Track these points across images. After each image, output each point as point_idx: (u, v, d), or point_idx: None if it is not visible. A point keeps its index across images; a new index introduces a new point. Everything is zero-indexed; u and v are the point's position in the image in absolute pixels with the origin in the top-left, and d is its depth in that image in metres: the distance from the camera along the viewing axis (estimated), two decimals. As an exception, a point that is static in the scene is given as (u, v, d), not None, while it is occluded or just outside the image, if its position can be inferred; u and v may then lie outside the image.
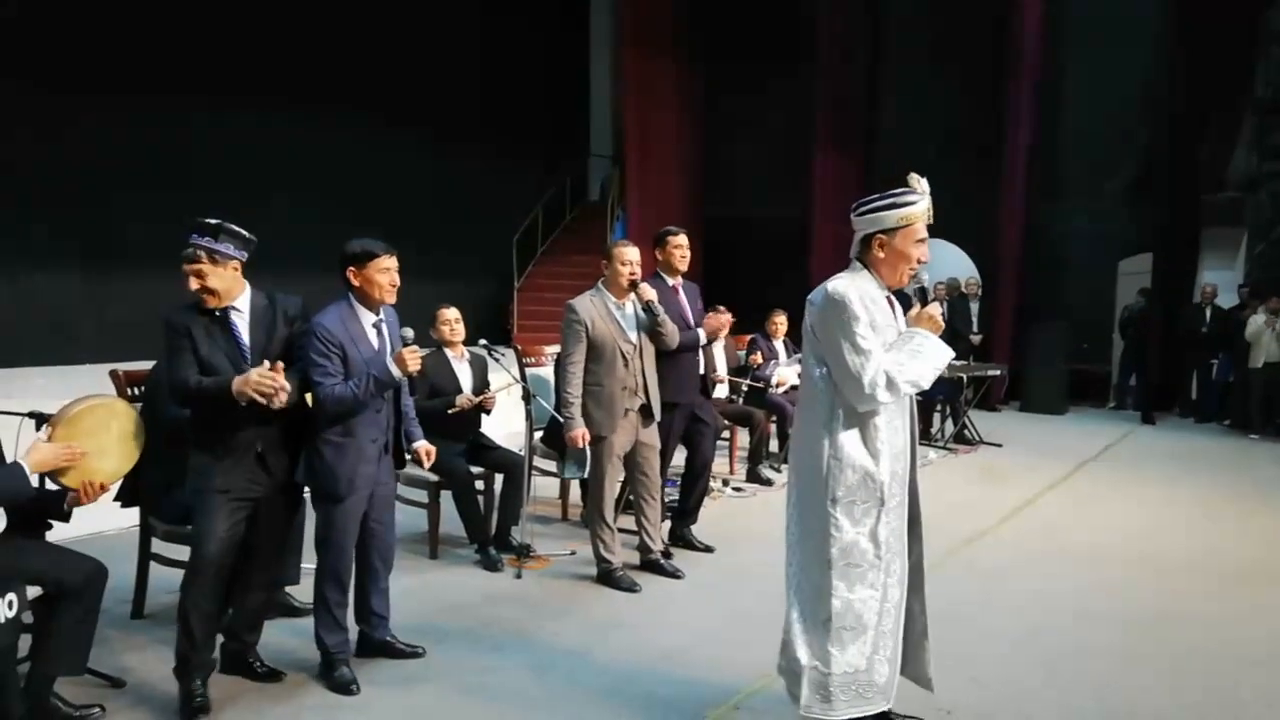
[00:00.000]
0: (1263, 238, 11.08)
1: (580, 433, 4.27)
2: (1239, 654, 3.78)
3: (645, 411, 4.46)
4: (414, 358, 3.27)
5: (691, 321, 4.88)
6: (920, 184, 2.71)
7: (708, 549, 5.03)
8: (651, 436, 4.54)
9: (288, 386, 3.01)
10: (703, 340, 4.94)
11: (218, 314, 3.06)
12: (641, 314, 4.42)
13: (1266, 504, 6.59)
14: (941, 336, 2.78)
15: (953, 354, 2.77)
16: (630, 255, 4.35)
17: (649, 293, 4.38)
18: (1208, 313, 10.63)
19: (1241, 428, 9.88)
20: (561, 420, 4.38)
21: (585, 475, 4.36)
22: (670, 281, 4.86)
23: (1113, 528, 5.81)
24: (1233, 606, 4.36)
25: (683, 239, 4.85)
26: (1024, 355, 11.14)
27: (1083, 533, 5.66)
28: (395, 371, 3.25)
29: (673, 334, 4.50)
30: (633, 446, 4.45)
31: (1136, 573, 4.84)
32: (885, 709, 2.75)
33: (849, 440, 2.67)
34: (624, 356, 4.32)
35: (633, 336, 4.38)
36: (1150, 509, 6.34)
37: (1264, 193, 10.92)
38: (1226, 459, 8.44)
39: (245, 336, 3.09)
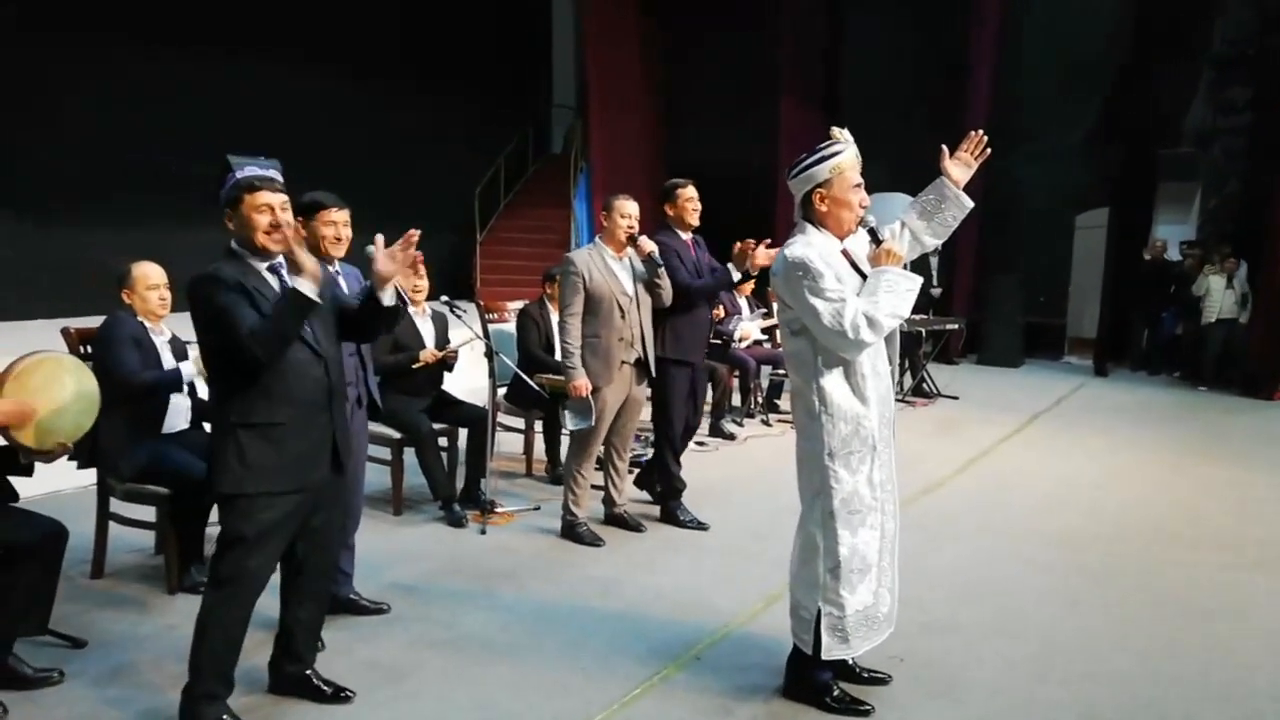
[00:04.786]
0: (1216, 192, 11.28)
1: (582, 383, 4.29)
2: (1183, 603, 3.92)
3: (640, 366, 4.47)
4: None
5: (713, 269, 4.70)
6: (844, 135, 2.85)
7: (701, 526, 4.78)
8: (642, 394, 4.57)
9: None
10: (736, 277, 4.63)
11: (267, 269, 2.66)
12: (640, 268, 4.41)
13: (1212, 456, 6.80)
14: None
15: (921, 280, 2.86)
16: (630, 209, 4.34)
17: (649, 245, 4.35)
18: (1157, 267, 10.87)
19: (1192, 380, 10.13)
20: (530, 382, 4.52)
21: (591, 424, 4.34)
22: (684, 236, 4.68)
23: (1063, 478, 5.97)
24: (1177, 557, 4.51)
25: (693, 191, 4.65)
26: (982, 308, 11.31)
27: (1034, 484, 5.81)
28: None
29: (669, 289, 4.44)
30: (623, 402, 4.47)
31: (1085, 523, 4.98)
32: (888, 633, 2.96)
33: (838, 393, 2.78)
34: (620, 309, 4.33)
35: (629, 289, 4.38)
36: (1100, 461, 6.51)
37: (1217, 147, 11.09)
38: (1175, 411, 8.68)
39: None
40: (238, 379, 2.56)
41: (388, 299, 2.74)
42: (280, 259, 2.66)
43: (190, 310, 2.58)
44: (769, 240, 4.57)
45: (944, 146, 2.99)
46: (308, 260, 2.55)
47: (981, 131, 2.92)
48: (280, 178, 2.66)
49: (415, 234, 2.69)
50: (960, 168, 2.95)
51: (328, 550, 2.89)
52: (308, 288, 2.53)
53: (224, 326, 2.50)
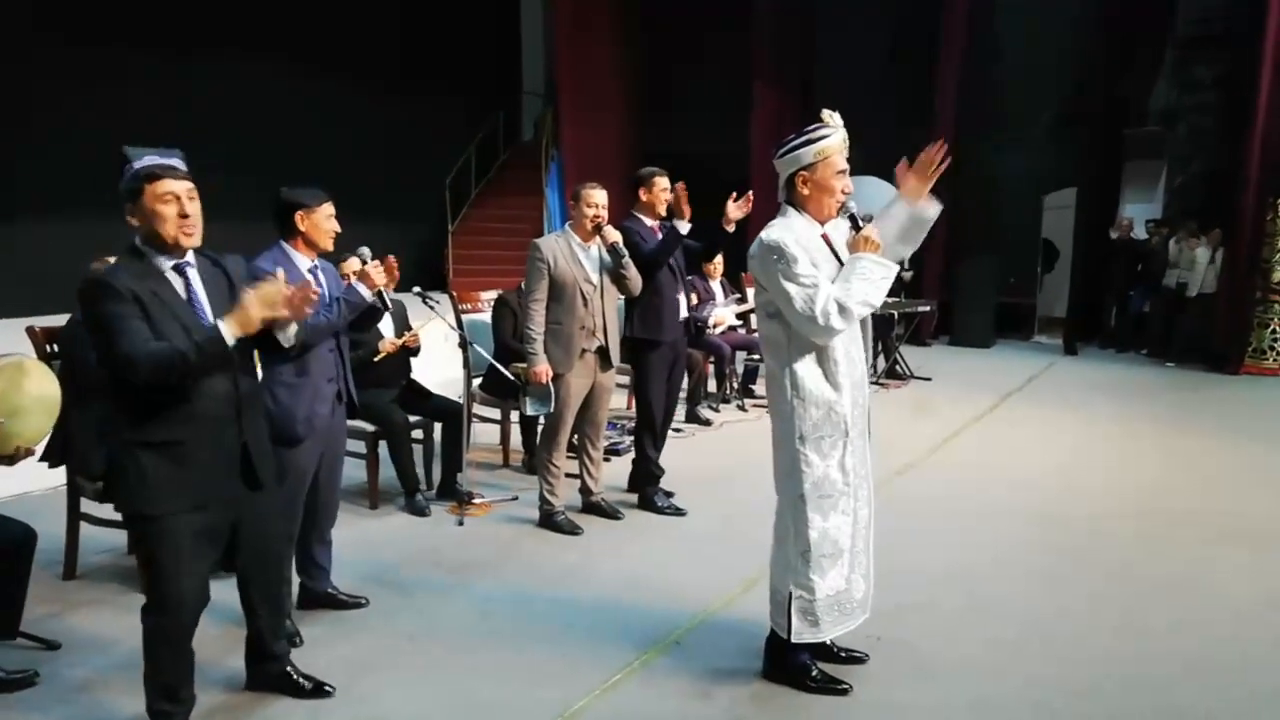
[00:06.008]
0: (1181, 171, 11.41)
1: (543, 369, 4.30)
2: (1155, 578, 3.98)
3: (603, 355, 4.47)
4: (378, 272, 3.33)
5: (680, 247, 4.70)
6: (833, 119, 2.81)
7: (678, 512, 4.81)
8: (609, 380, 4.57)
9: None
10: (684, 229, 4.54)
11: (173, 268, 2.46)
12: (606, 257, 4.40)
13: (1181, 431, 6.91)
14: None
15: (898, 267, 2.81)
16: (596, 198, 4.32)
17: (613, 235, 4.34)
18: (1124, 246, 11.00)
19: (1159, 357, 10.27)
20: (506, 371, 4.53)
21: (550, 410, 4.36)
22: (650, 224, 4.68)
23: (1035, 457, 6.04)
24: (1148, 534, 4.58)
25: (667, 181, 4.64)
26: (953, 290, 11.39)
27: (1007, 463, 5.88)
28: (365, 292, 3.26)
29: (636, 278, 4.44)
30: (590, 389, 4.47)
31: (1058, 500, 5.05)
32: (862, 619, 2.98)
33: (810, 378, 2.78)
34: (584, 296, 4.33)
35: (594, 278, 4.38)
36: (1072, 438, 6.60)
37: (1183, 126, 11.20)
38: (1144, 388, 8.80)
39: (205, 304, 2.49)
40: (131, 393, 2.38)
41: (285, 340, 2.60)
42: (190, 256, 2.48)
43: (80, 316, 2.41)
44: (737, 194, 4.61)
45: (903, 160, 2.86)
46: (258, 314, 2.39)
47: (943, 141, 2.78)
48: (183, 165, 2.46)
49: (310, 292, 2.53)
50: (918, 182, 2.79)
51: (270, 559, 2.79)
52: (231, 335, 2.37)
53: (105, 338, 2.31)
